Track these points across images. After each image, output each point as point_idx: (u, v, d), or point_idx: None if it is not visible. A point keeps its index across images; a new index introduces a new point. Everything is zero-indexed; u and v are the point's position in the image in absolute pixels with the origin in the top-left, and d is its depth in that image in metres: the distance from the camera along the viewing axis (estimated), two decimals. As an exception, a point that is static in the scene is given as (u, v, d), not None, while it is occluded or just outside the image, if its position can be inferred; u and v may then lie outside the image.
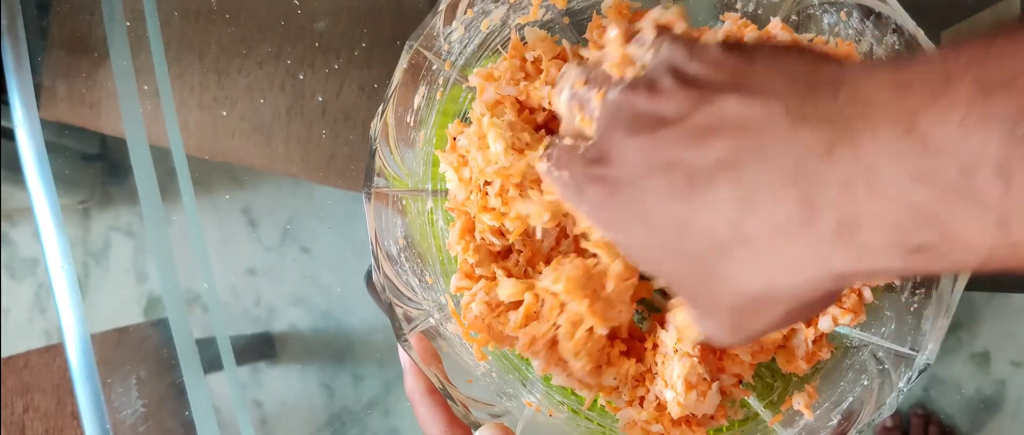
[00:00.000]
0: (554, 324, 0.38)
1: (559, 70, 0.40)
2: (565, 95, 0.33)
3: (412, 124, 0.44)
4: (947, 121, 0.18)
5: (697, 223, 0.25)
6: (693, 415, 0.40)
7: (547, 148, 0.33)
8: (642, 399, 0.42)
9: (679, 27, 0.32)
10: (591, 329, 0.38)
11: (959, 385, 0.71)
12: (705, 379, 0.39)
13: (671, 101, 0.26)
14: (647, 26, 0.31)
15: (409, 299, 0.41)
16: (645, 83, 0.28)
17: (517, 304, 0.40)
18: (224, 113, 0.67)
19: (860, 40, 0.40)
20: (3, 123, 0.82)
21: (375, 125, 0.40)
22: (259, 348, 0.71)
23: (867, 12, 0.39)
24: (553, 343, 0.39)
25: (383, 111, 0.40)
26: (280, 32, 0.65)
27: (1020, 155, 0.17)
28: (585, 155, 0.30)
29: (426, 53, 0.42)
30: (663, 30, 0.31)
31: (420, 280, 0.43)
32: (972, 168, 0.18)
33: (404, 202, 0.43)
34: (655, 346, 0.41)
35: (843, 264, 0.22)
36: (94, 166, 0.81)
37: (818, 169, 0.21)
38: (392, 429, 0.65)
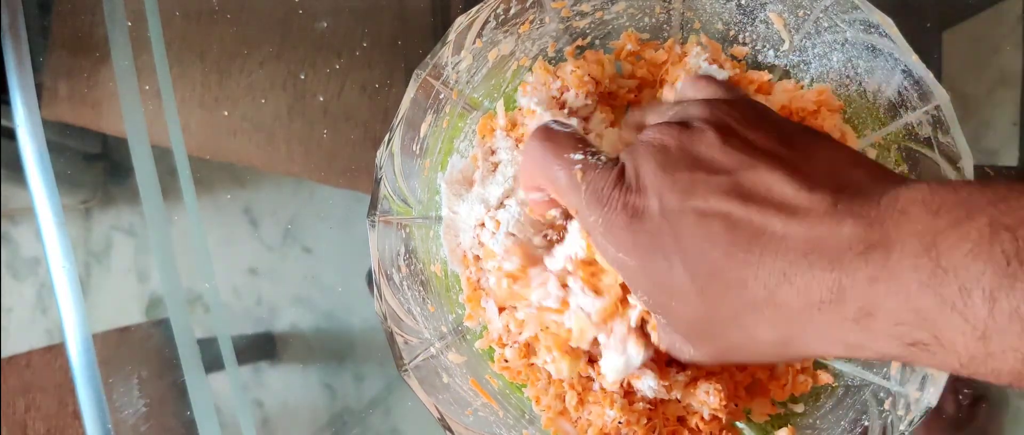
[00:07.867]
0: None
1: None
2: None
3: (418, 152, 0.43)
4: (959, 248, 0.23)
5: (731, 275, 0.27)
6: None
7: (585, 148, 0.33)
8: None
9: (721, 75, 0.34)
10: None
11: (962, 385, 0.71)
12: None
13: (712, 151, 0.29)
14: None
15: (410, 327, 0.41)
16: (686, 126, 0.30)
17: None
18: (225, 113, 0.67)
19: (868, 78, 0.40)
20: (4, 123, 0.82)
21: (381, 153, 0.40)
22: (260, 348, 0.71)
23: (873, 51, 0.39)
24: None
25: (389, 139, 0.40)
26: (281, 32, 0.65)
27: (1007, 286, 0.22)
28: (611, 174, 0.31)
29: (434, 82, 0.41)
30: (708, 80, 0.34)
31: (422, 308, 0.43)
32: (969, 290, 0.22)
33: (408, 229, 0.43)
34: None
35: (855, 342, 0.26)
36: (96, 166, 0.81)
37: (854, 263, 0.25)
38: (394, 429, 0.65)
